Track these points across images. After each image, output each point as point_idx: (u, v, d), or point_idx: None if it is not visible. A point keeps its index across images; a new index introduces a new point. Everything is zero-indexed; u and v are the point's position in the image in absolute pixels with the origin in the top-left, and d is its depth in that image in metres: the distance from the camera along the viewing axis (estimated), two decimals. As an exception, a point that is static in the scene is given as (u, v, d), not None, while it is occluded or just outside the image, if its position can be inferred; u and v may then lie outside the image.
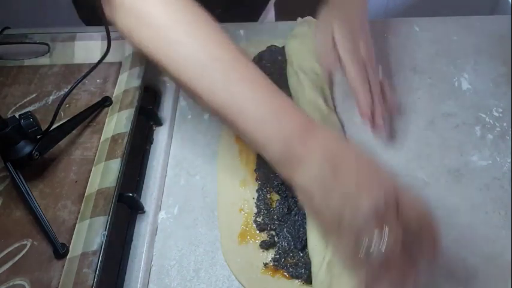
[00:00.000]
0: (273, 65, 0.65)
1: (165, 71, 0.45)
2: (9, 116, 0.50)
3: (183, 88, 0.45)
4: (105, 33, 0.52)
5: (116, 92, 0.60)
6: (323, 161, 0.39)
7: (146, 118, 0.61)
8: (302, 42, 0.65)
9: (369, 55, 0.57)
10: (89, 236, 0.46)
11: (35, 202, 0.49)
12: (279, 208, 0.52)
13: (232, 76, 0.42)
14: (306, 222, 0.50)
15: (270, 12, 0.91)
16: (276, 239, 0.51)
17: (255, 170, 0.56)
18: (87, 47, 0.65)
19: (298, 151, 0.40)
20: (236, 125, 0.42)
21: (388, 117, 0.56)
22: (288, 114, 0.41)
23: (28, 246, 0.47)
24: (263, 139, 0.41)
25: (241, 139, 0.57)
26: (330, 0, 0.60)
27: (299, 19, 0.70)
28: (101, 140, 0.56)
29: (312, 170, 0.39)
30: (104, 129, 0.57)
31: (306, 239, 0.49)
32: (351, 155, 0.40)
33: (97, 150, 0.55)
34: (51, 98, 0.61)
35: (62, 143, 0.55)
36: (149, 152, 0.59)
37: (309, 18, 0.69)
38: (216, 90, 0.42)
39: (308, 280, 0.47)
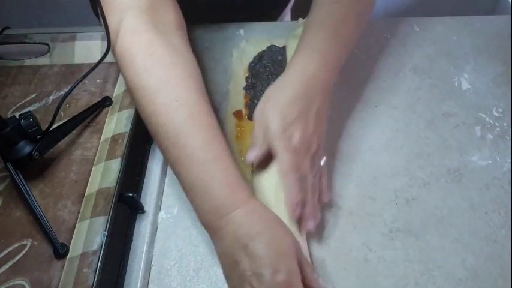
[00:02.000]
0: (273, 65, 0.65)
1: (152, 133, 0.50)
2: (9, 116, 0.50)
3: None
4: (105, 33, 0.52)
5: (116, 92, 0.60)
6: (231, 241, 0.44)
7: (146, 118, 0.61)
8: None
9: (307, 145, 0.51)
10: (89, 236, 0.46)
11: (35, 202, 0.49)
12: (279, 208, 0.52)
13: (179, 141, 0.47)
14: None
15: (286, 17, 0.91)
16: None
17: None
18: (87, 47, 0.65)
19: (214, 225, 0.45)
20: (178, 180, 0.48)
21: (318, 208, 0.51)
22: (213, 188, 0.45)
23: (28, 246, 0.47)
24: (191, 202, 0.47)
25: (240, 141, 0.59)
26: (275, 82, 0.54)
27: (300, 19, 0.70)
28: (101, 140, 0.56)
29: (221, 246, 0.45)
30: (104, 129, 0.57)
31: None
32: (261, 239, 0.43)
33: (97, 150, 0.55)
34: (51, 98, 0.61)
35: (62, 143, 0.55)
36: (149, 152, 0.59)
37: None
38: (165, 148, 0.48)
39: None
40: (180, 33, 0.53)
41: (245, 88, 0.65)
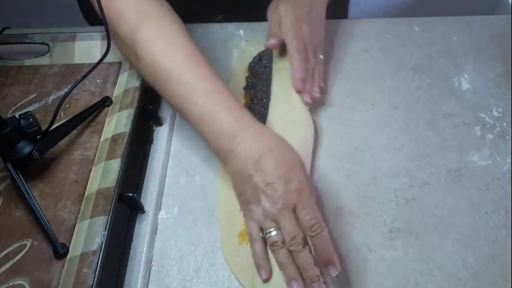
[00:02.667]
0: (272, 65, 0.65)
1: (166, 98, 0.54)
2: (9, 116, 0.50)
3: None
4: (105, 33, 0.52)
5: (116, 92, 0.60)
6: (245, 157, 0.47)
7: (146, 118, 0.61)
8: None
9: (312, 37, 0.62)
10: (89, 236, 0.46)
11: (35, 202, 0.49)
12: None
13: (184, 85, 0.51)
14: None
15: None
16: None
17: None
18: (87, 47, 0.65)
19: (227, 147, 0.48)
20: (187, 120, 0.52)
21: (317, 88, 0.62)
22: (222, 114, 0.49)
23: (28, 246, 0.47)
24: (202, 135, 0.51)
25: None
26: None
27: None
28: (101, 140, 0.56)
29: (235, 163, 0.48)
30: (104, 129, 0.57)
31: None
32: (269, 154, 0.47)
33: (97, 150, 0.55)
34: (51, 98, 0.61)
35: (62, 143, 0.55)
36: (149, 152, 0.59)
37: None
38: (171, 93, 0.52)
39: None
40: (178, 25, 0.56)
41: (245, 88, 0.65)
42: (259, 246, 0.47)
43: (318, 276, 0.44)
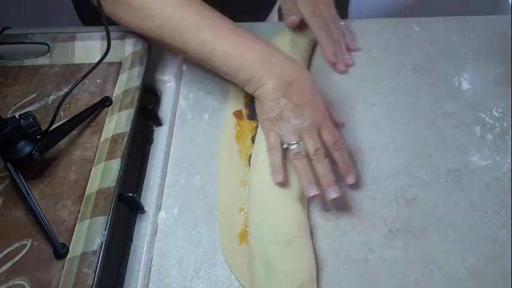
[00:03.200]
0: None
1: (163, 41, 0.58)
2: (9, 116, 0.50)
3: (174, 48, 0.58)
4: (105, 33, 0.52)
5: (116, 92, 0.60)
6: (277, 80, 0.53)
7: (146, 118, 0.61)
8: (283, 37, 0.68)
9: (329, 12, 0.68)
10: (89, 236, 0.46)
11: (35, 202, 0.49)
12: (279, 208, 0.52)
13: (205, 28, 0.55)
14: (305, 222, 0.51)
15: (273, 18, 0.92)
16: (276, 239, 0.51)
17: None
18: (87, 47, 0.65)
19: (259, 74, 0.53)
20: (211, 63, 0.56)
21: (349, 55, 0.68)
22: (249, 46, 0.54)
23: (28, 246, 0.47)
24: (231, 70, 0.55)
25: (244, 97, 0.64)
26: None
27: None
28: (101, 140, 0.56)
29: (268, 86, 0.53)
30: (104, 129, 0.57)
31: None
32: (299, 79, 0.53)
33: (97, 150, 0.55)
34: (51, 98, 0.61)
35: (62, 143, 0.55)
36: (149, 152, 0.59)
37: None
38: (194, 40, 0.55)
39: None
40: None
41: None
42: (277, 155, 0.52)
43: (335, 181, 0.51)
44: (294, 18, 0.66)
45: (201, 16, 0.55)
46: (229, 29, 0.55)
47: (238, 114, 0.62)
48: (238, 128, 0.61)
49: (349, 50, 0.68)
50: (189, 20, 0.55)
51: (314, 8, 0.66)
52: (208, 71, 0.67)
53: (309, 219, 0.53)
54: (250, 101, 0.62)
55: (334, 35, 0.68)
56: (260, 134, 0.56)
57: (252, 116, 0.61)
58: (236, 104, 0.63)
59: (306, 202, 0.53)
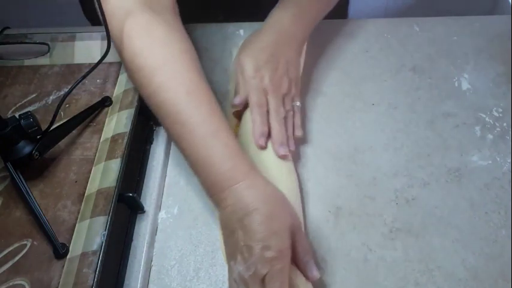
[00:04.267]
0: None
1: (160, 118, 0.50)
2: (9, 116, 0.50)
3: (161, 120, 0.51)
4: (105, 33, 0.52)
5: (116, 92, 0.60)
6: (232, 212, 0.45)
7: (146, 118, 0.61)
8: None
9: (278, 84, 0.57)
10: (89, 236, 0.46)
11: (35, 202, 0.49)
12: (279, 208, 0.52)
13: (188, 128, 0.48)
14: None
15: None
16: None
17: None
18: (87, 47, 0.65)
19: (218, 197, 0.47)
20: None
21: (291, 143, 0.56)
22: (215, 163, 0.47)
23: (28, 246, 0.47)
24: (198, 179, 0.49)
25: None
26: (252, 33, 0.62)
27: None
28: (101, 140, 0.56)
29: (222, 215, 0.47)
30: (104, 129, 0.57)
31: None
32: (258, 213, 0.44)
33: (97, 150, 0.55)
34: (51, 98, 0.61)
35: (62, 143, 0.55)
36: (149, 152, 0.59)
37: None
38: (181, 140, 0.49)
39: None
40: (174, 12, 0.55)
41: None
42: None
43: None
44: (237, 101, 0.57)
45: (183, 108, 0.48)
46: (205, 135, 0.47)
47: (238, 115, 0.62)
48: (238, 128, 0.61)
49: (294, 136, 0.58)
50: (168, 108, 0.48)
51: (256, 81, 0.57)
52: (207, 72, 0.67)
53: (308, 219, 0.53)
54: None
55: (280, 113, 0.56)
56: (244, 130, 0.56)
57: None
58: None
59: (300, 200, 0.53)
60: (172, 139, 0.50)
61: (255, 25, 0.73)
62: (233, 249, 0.45)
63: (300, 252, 0.46)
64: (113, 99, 0.60)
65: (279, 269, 0.43)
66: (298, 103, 0.59)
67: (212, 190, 0.47)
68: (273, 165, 0.53)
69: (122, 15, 0.51)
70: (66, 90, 0.58)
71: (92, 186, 0.51)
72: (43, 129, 0.51)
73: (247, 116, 0.57)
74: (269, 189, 0.47)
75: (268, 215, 0.44)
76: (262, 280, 0.43)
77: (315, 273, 0.46)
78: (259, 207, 0.44)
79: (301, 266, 0.46)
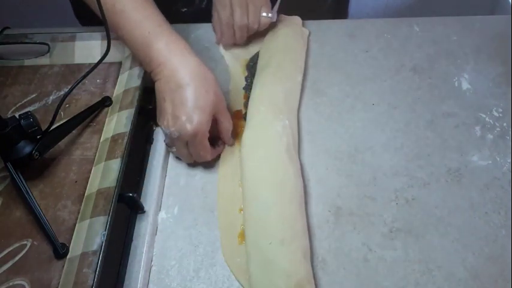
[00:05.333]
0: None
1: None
2: (9, 116, 0.50)
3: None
4: (105, 33, 0.52)
5: (116, 92, 0.60)
6: (165, 83, 0.53)
7: (146, 118, 0.61)
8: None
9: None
10: (89, 236, 0.46)
11: (35, 202, 0.49)
12: (279, 208, 0.52)
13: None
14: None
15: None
16: (276, 239, 0.50)
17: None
18: (87, 47, 0.65)
19: (155, 70, 0.54)
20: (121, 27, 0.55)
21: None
22: (151, 42, 0.53)
23: (28, 246, 0.47)
24: (140, 62, 0.57)
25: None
26: None
27: (282, 16, 0.71)
28: (101, 140, 0.56)
29: (157, 85, 0.54)
30: (104, 129, 0.57)
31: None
32: (188, 89, 0.52)
33: (97, 150, 0.55)
34: (51, 98, 0.61)
35: (62, 143, 0.55)
36: (149, 152, 0.59)
37: (292, 17, 0.71)
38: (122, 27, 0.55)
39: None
40: None
41: (244, 88, 0.65)
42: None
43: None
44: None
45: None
46: (140, 19, 0.54)
47: (238, 114, 0.62)
48: (238, 129, 0.61)
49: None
50: (106, 1, 0.53)
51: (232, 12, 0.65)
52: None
53: (308, 219, 0.53)
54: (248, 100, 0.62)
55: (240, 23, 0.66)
56: (247, 133, 0.57)
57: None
58: (236, 104, 0.63)
59: (304, 202, 0.53)
60: (113, 30, 0.55)
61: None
62: (163, 114, 0.53)
63: (223, 128, 0.57)
64: (113, 99, 0.60)
65: (198, 138, 0.53)
66: (265, 13, 0.66)
67: (151, 66, 0.54)
68: (280, 167, 0.53)
69: None
70: (66, 90, 0.58)
71: (92, 186, 0.51)
72: (43, 129, 0.51)
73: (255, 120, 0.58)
74: (201, 69, 0.54)
75: (196, 92, 0.52)
76: (186, 143, 0.53)
77: (231, 142, 0.59)
78: (190, 84, 0.52)
79: (222, 137, 0.58)
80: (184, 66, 0.53)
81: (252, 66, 0.66)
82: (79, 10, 0.85)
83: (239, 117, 0.62)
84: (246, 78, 0.66)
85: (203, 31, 0.73)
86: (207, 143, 0.54)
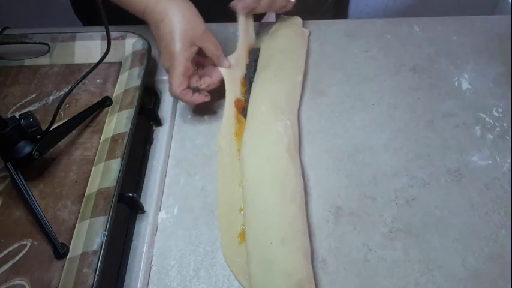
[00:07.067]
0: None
1: None
2: (9, 116, 0.50)
3: None
4: (105, 33, 0.52)
5: (116, 92, 0.60)
6: (153, 20, 0.57)
7: (146, 118, 0.61)
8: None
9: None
10: (89, 236, 0.46)
11: (35, 202, 0.49)
12: (279, 208, 0.52)
13: None
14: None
15: (270, 18, 0.92)
16: (276, 239, 0.50)
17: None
18: (87, 47, 0.65)
19: (148, 15, 0.57)
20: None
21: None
22: None
23: (28, 246, 0.47)
24: (136, 13, 0.59)
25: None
26: None
27: (282, 16, 0.71)
28: (101, 140, 0.56)
29: (151, 24, 0.58)
30: (104, 129, 0.57)
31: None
32: (165, 24, 0.56)
33: (97, 150, 0.55)
34: (51, 98, 0.61)
35: (62, 143, 0.55)
36: (149, 152, 0.59)
37: (292, 17, 0.71)
38: None
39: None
40: None
41: (245, 77, 0.64)
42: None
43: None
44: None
45: None
46: None
47: (238, 103, 0.61)
48: (237, 126, 0.60)
49: None
50: None
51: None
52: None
53: (308, 219, 0.53)
54: (246, 92, 0.62)
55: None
56: (247, 133, 0.56)
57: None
58: (235, 92, 0.62)
59: (304, 201, 0.53)
60: None
61: (255, 25, 0.73)
62: (158, 52, 0.58)
63: (209, 53, 0.59)
64: (113, 99, 0.60)
65: (174, 65, 0.56)
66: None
67: (145, 12, 0.58)
68: (281, 168, 0.53)
69: None
70: (66, 90, 0.58)
71: (92, 186, 0.51)
72: (43, 129, 0.51)
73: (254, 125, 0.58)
74: (184, 5, 0.57)
75: (169, 25, 0.56)
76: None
77: (226, 63, 0.61)
78: (164, 19, 0.56)
79: (215, 62, 0.60)
80: (171, 5, 0.57)
81: (253, 59, 0.66)
82: (79, 9, 0.85)
83: (240, 107, 0.61)
84: (247, 67, 0.65)
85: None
86: (181, 70, 0.56)
